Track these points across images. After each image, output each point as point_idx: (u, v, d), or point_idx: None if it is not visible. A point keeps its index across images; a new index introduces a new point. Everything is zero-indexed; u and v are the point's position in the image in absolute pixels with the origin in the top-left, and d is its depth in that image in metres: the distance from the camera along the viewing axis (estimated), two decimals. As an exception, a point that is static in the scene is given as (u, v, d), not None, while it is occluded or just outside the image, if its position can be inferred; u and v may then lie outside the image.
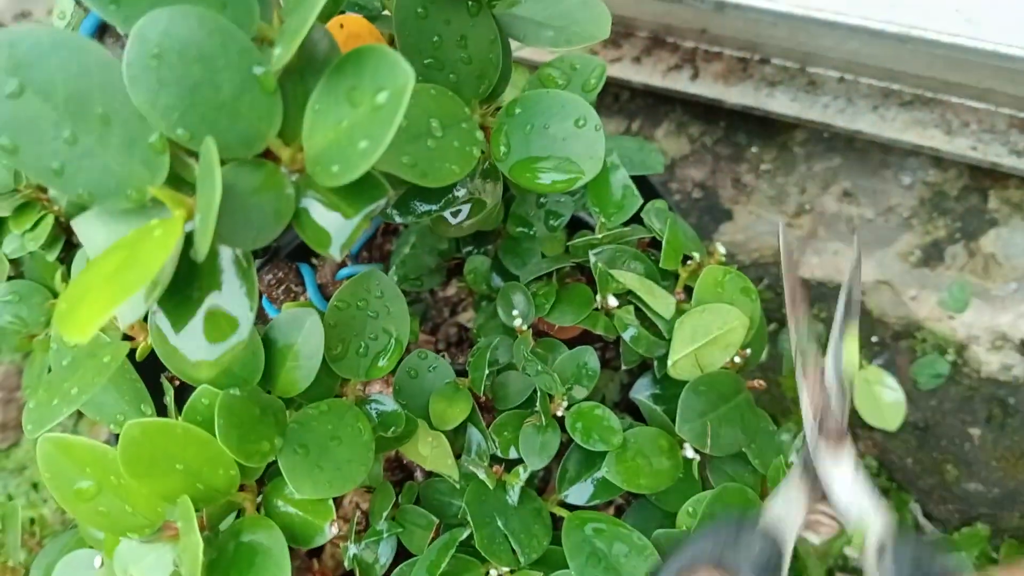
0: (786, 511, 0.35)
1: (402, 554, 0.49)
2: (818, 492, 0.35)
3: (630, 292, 0.54)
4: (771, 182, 1.00)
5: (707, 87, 0.93)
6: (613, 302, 0.53)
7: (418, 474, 0.56)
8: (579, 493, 0.52)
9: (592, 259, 0.54)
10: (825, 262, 0.98)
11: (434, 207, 0.40)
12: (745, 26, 0.88)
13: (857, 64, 0.89)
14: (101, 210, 0.30)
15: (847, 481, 0.34)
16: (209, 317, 0.31)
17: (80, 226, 0.30)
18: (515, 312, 0.53)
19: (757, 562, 0.34)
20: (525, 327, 0.52)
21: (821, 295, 0.98)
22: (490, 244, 0.67)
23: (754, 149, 0.99)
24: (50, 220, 0.61)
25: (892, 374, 0.62)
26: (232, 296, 0.31)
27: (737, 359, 0.54)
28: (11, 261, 0.63)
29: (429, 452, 0.47)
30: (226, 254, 0.31)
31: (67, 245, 0.63)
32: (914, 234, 0.95)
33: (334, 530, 0.39)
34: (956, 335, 0.94)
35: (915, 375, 0.95)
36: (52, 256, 0.62)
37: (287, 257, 0.62)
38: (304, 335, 0.40)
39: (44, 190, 0.63)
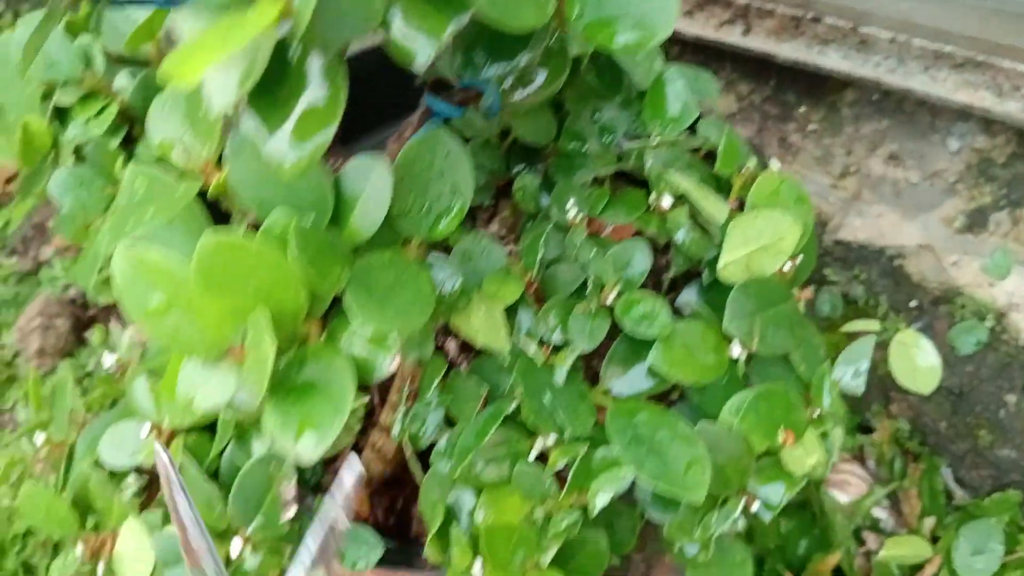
0: None
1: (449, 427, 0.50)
2: None
3: (682, 198, 0.55)
4: (818, 143, 1.00)
5: (759, 42, 0.93)
6: (667, 202, 0.54)
7: (463, 367, 0.57)
8: (624, 384, 0.52)
9: (647, 162, 0.55)
10: (868, 224, 0.98)
11: (506, 63, 0.41)
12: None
13: (910, 24, 0.88)
14: (199, 4, 0.31)
15: None
16: (301, 117, 0.32)
17: (180, 19, 0.31)
18: (568, 205, 0.53)
19: None
20: (578, 219, 0.53)
21: (863, 257, 0.98)
22: (540, 163, 0.68)
23: (802, 109, 0.99)
24: (114, 109, 0.63)
25: (929, 339, 0.62)
26: (320, 95, 0.32)
27: (788, 267, 0.54)
28: (74, 149, 0.64)
29: (482, 324, 0.48)
30: (315, 62, 0.32)
31: (128, 138, 0.64)
32: (959, 199, 0.95)
33: (393, 366, 0.39)
34: (996, 302, 0.93)
35: (953, 340, 0.95)
36: (114, 143, 0.63)
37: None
38: (372, 184, 0.41)
39: (109, 82, 0.65)
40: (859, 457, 0.98)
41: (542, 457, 0.49)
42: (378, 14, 0.31)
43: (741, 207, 0.56)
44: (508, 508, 0.49)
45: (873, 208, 0.98)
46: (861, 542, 0.94)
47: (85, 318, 1.31)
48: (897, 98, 0.95)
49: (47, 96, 0.64)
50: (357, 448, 0.58)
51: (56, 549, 1.09)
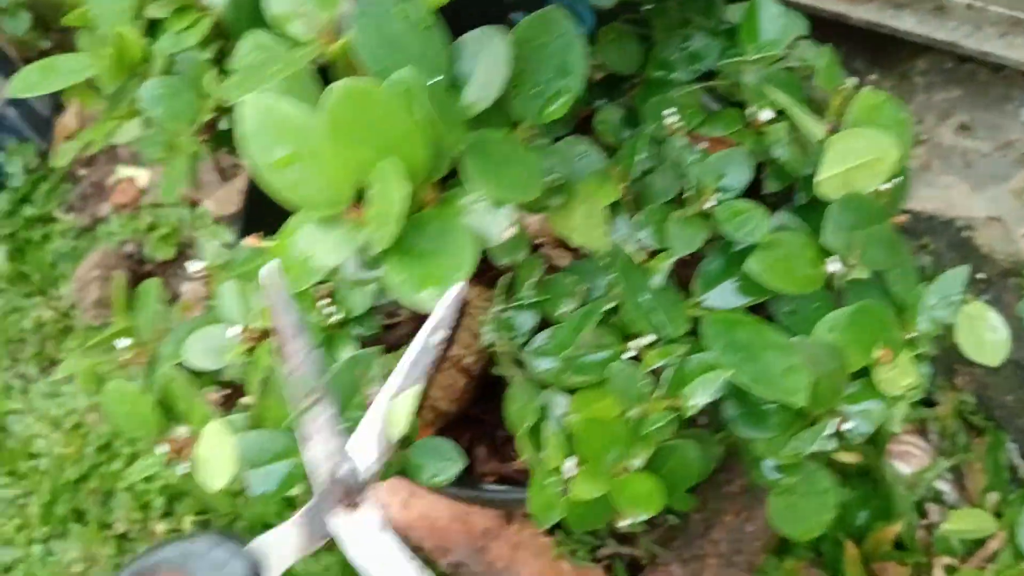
0: (277, 546, 0.34)
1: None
2: (320, 539, 0.34)
3: (781, 113, 0.54)
4: (886, 111, 0.99)
5: (832, 2, 0.92)
6: (765, 116, 0.53)
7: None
8: (719, 296, 0.52)
9: (745, 77, 0.54)
10: (937, 195, 0.97)
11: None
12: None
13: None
14: None
15: (367, 542, 0.33)
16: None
17: None
18: (666, 113, 0.53)
19: None
20: (676, 126, 0.53)
21: (931, 228, 0.97)
22: (623, 97, 0.67)
23: (873, 76, 0.99)
24: (207, 22, 0.63)
25: (998, 312, 0.61)
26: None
27: (885, 187, 0.53)
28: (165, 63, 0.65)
29: (580, 222, 0.48)
30: None
31: (220, 56, 0.65)
32: (1030, 171, 0.93)
33: (511, 230, 0.39)
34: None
35: (1021, 313, 0.93)
36: (206, 55, 0.64)
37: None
38: (490, 55, 0.41)
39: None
40: (921, 431, 0.97)
41: (636, 360, 0.49)
42: None
43: (834, 130, 0.55)
44: (602, 408, 0.48)
45: (942, 179, 0.97)
46: (923, 514, 0.92)
47: (141, 272, 1.32)
48: (970, 68, 0.94)
49: (139, 10, 0.65)
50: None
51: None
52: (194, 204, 1.36)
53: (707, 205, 0.50)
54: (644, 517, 0.48)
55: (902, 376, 0.52)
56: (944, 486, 0.93)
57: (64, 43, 1.54)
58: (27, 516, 1.12)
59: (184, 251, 1.38)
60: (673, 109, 0.53)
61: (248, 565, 0.32)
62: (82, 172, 1.45)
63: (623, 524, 0.48)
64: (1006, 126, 0.94)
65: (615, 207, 0.50)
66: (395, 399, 0.35)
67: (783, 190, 0.56)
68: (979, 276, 0.96)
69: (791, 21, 0.59)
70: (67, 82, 0.66)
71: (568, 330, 0.47)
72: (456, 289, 0.36)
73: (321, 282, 0.54)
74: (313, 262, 0.38)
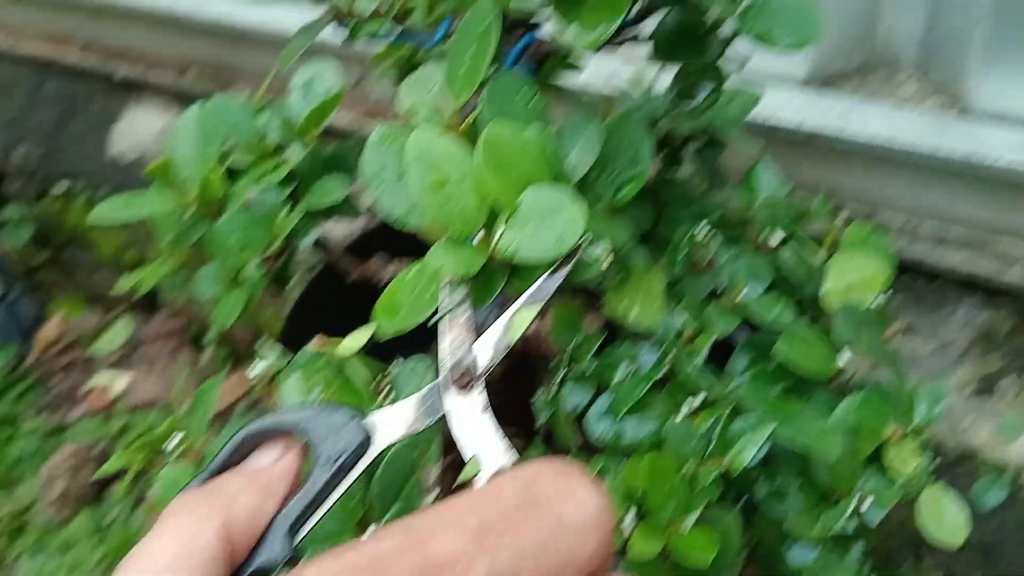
0: (389, 422, 0.36)
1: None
2: (429, 418, 0.38)
3: (786, 239, 0.65)
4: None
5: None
6: (775, 239, 0.64)
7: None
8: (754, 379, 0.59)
9: (754, 214, 0.66)
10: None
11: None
12: (822, 172, 1.06)
13: (921, 208, 1.04)
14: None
15: (470, 418, 0.37)
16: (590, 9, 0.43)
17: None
18: (699, 229, 0.63)
19: (337, 444, 0.34)
20: (710, 237, 0.63)
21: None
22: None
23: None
24: (285, 168, 0.73)
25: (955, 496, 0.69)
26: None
27: (880, 300, 0.63)
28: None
29: (640, 301, 0.56)
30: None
31: (292, 197, 0.74)
32: (969, 368, 1.06)
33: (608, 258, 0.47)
34: (1012, 461, 1.01)
35: (975, 497, 1.01)
36: (282, 195, 0.73)
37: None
38: (585, 138, 0.51)
39: (282, 149, 0.76)
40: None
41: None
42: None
43: (831, 256, 0.66)
44: (659, 465, 0.53)
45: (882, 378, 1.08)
46: None
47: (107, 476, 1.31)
48: (910, 276, 1.09)
49: (223, 158, 0.75)
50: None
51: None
52: (168, 410, 1.38)
53: (739, 298, 0.59)
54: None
55: (909, 459, 0.59)
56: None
57: (56, 259, 1.62)
58: None
59: (154, 457, 1.37)
60: (705, 222, 0.63)
61: (363, 431, 0.35)
62: (57, 378, 1.47)
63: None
64: (943, 328, 1.07)
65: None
66: (515, 314, 0.40)
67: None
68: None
69: (782, 181, 0.72)
70: (146, 213, 0.73)
71: (627, 391, 0.54)
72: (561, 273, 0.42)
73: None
74: (444, 270, 0.45)
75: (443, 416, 0.38)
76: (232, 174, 0.75)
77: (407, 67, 0.76)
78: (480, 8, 0.50)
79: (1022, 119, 0.95)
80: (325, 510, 0.34)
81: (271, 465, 0.34)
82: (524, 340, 0.41)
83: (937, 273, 1.06)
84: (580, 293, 0.58)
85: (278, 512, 0.33)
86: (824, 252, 0.66)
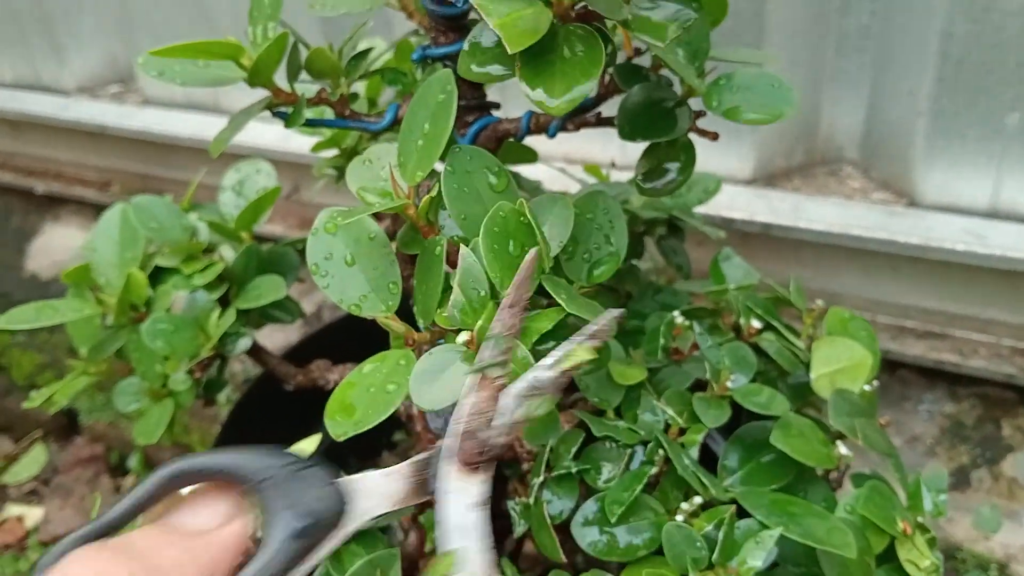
0: (371, 491, 0.31)
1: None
2: (419, 496, 0.33)
3: (767, 326, 0.61)
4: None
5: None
6: (756, 325, 0.60)
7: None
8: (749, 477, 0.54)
9: (732, 297, 0.62)
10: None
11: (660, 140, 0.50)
12: (776, 264, 1.03)
13: (876, 302, 1.03)
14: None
15: (462, 508, 0.32)
16: (560, 74, 0.39)
17: (482, 3, 0.39)
18: (675, 313, 0.59)
19: (304, 509, 0.28)
20: (684, 324, 0.58)
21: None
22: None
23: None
24: (217, 268, 0.67)
25: None
26: (578, 61, 0.39)
27: (868, 388, 0.59)
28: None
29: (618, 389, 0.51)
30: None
31: (224, 299, 0.67)
32: (940, 461, 1.02)
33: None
34: (995, 554, 0.96)
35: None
36: (214, 296, 0.66)
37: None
38: (555, 215, 0.47)
39: (212, 249, 0.70)
40: None
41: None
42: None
43: (811, 341, 0.62)
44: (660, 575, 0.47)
45: (873, 465, 1.04)
46: None
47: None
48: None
49: (147, 260, 0.68)
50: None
51: None
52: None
53: (727, 387, 0.54)
54: None
55: (922, 556, 0.54)
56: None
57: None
58: None
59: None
60: (678, 312, 0.59)
61: (338, 497, 0.28)
62: (-39, 512, 1.34)
63: None
64: (910, 421, 1.04)
65: (642, 385, 0.53)
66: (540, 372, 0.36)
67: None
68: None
69: (749, 270, 0.69)
70: (61, 319, 0.66)
71: (616, 494, 0.48)
72: (616, 312, 0.39)
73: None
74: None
75: (432, 496, 0.32)
76: (156, 276, 0.69)
77: (349, 159, 0.72)
78: (437, 79, 0.46)
79: (970, 208, 0.95)
80: None
81: (214, 529, 0.26)
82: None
83: (899, 364, 1.03)
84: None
85: None
86: (805, 339, 0.62)
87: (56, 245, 1.55)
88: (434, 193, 0.46)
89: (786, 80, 0.51)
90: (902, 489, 0.59)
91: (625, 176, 0.75)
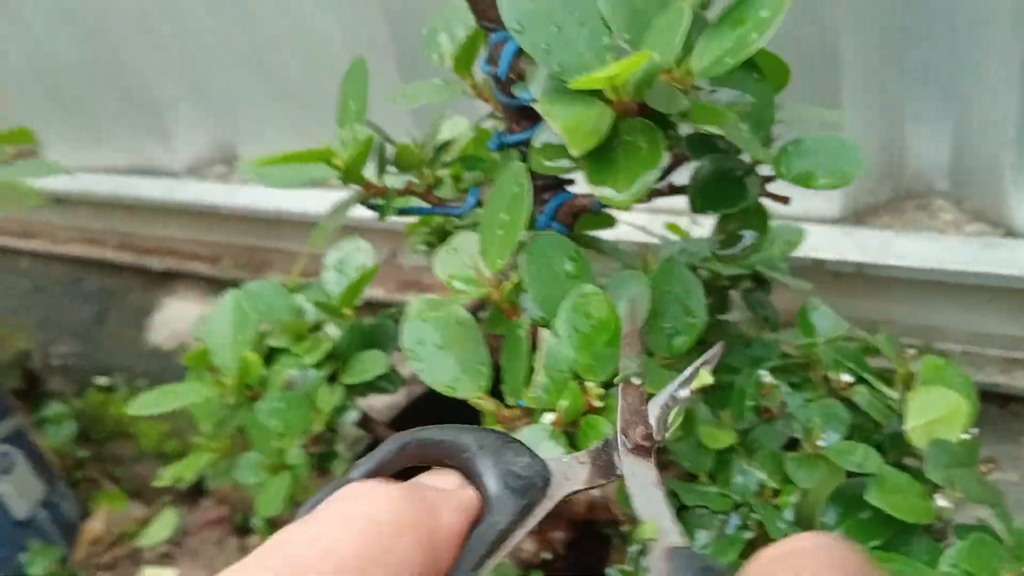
0: (565, 472, 0.33)
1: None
2: (602, 478, 0.35)
3: (859, 379, 0.61)
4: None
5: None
6: (846, 378, 0.60)
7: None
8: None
9: (823, 352, 0.62)
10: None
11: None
12: (870, 305, 1.02)
13: (982, 336, 1.00)
14: (558, 91, 0.42)
15: (646, 486, 0.35)
16: (624, 168, 0.41)
17: (545, 107, 0.42)
18: (762, 371, 0.60)
19: (520, 480, 0.30)
20: (771, 383, 0.59)
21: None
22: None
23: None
24: (326, 347, 0.71)
25: None
26: (640, 155, 0.42)
27: (967, 436, 0.59)
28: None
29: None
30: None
31: (332, 377, 0.72)
32: (1061, 497, 0.98)
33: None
34: None
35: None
36: (323, 374, 0.71)
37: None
38: (631, 292, 0.49)
39: (319, 327, 0.74)
40: None
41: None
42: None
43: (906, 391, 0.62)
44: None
45: (979, 510, 1.00)
46: None
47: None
48: (982, 407, 1.03)
49: (260, 340, 0.73)
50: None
51: None
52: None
53: (819, 444, 0.55)
54: None
55: (1034, 615, 0.53)
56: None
57: (99, 454, 1.60)
58: None
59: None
60: (765, 370, 0.60)
61: (546, 471, 0.30)
62: (104, 575, 1.42)
63: None
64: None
65: (732, 450, 0.54)
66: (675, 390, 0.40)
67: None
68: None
69: (838, 320, 0.69)
70: (184, 402, 0.71)
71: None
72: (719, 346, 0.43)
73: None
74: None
75: (620, 477, 0.35)
76: (270, 356, 0.74)
77: (439, 236, 0.76)
78: (511, 172, 0.49)
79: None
80: (506, 551, 0.29)
81: (456, 490, 0.29)
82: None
83: (1010, 397, 1.00)
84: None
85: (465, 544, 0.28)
86: (899, 389, 0.62)
87: (174, 317, 1.65)
88: (516, 279, 0.49)
89: (854, 143, 0.52)
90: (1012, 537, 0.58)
91: (707, 226, 0.76)
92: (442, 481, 0.29)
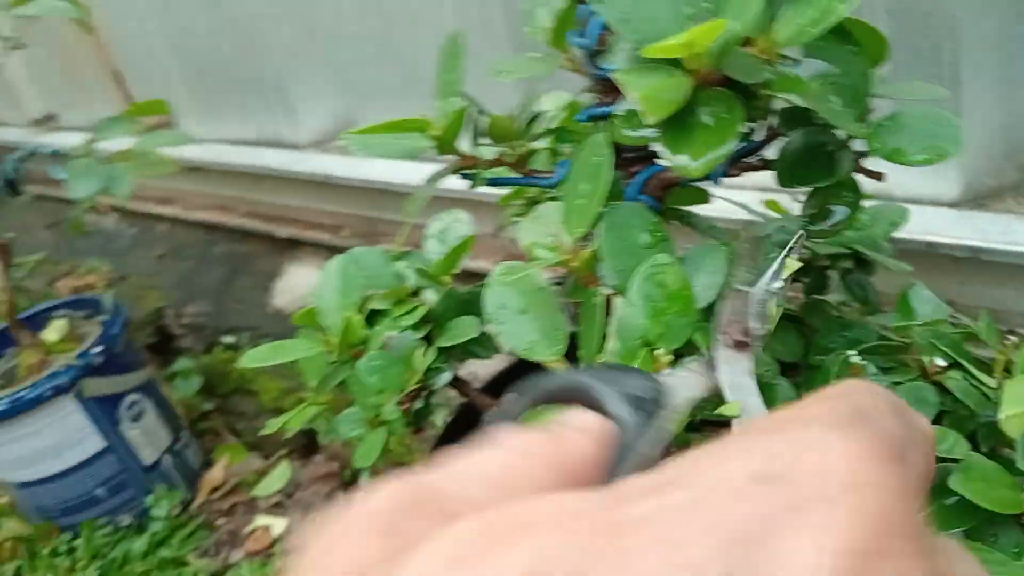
0: (681, 383, 0.34)
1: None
2: (710, 382, 0.37)
3: (954, 363, 0.60)
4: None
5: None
6: (940, 363, 0.59)
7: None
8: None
9: (919, 335, 0.61)
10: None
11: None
12: (981, 290, 0.98)
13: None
14: (638, 61, 0.43)
15: (738, 373, 0.37)
16: (698, 138, 0.42)
17: (623, 76, 0.43)
18: (851, 353, 0.59)
19: (631, 394, 0.31)
20: (860, 364, 0.58)
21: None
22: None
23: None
24: (422, 311, 0.74)
25: None
26: (717, 125, 0.42)
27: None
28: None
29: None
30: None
31: (427, 338, 0.75)
32: None
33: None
34: None
35: None
36: (419, 335, 0.74)
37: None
38: (706, 268, 0.49)
39: (418, 293, 0.78)
40: None
41: None
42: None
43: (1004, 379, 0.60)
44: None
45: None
46: None
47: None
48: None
49: (364, 303, 0.77)
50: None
51: None
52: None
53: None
54: None
55: None
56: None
57: (222, 407, 1.70)
58: None
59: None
60: (854, 352, 0.59)
61: (656, 386, 0.32)
62: (220, 521, 1.51)
63: None
64: None
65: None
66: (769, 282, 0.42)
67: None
68: None
69: (939, 304, 0.67)
70: (291, 357, 0.76)
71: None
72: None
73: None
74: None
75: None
76: (372, 318, 0.77)
77: (535, 204, 0.77)
78: (593, 144, 0.50)
79: None
80: (648, 468, 0.32)
81: (587, 423, 0.29)
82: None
83: None
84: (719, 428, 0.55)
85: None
86: (997, 376, 0.60)
87: (297, 283, 1.73)
88: (594, 248, 0.50)
89: (952, 119, 0.51)
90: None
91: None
92: (573, 419, 0.31)
